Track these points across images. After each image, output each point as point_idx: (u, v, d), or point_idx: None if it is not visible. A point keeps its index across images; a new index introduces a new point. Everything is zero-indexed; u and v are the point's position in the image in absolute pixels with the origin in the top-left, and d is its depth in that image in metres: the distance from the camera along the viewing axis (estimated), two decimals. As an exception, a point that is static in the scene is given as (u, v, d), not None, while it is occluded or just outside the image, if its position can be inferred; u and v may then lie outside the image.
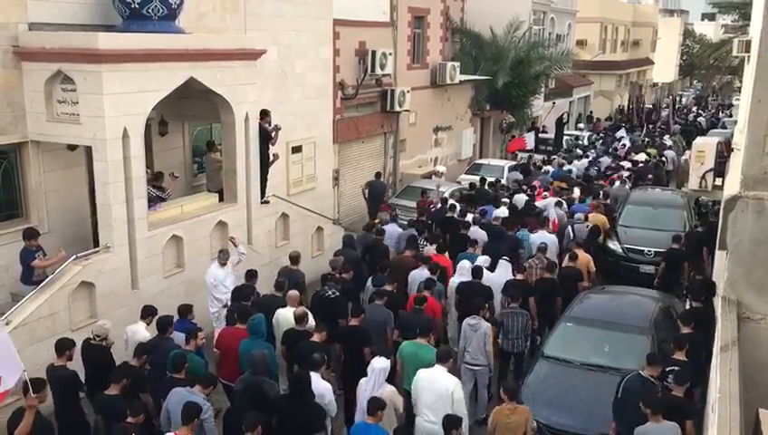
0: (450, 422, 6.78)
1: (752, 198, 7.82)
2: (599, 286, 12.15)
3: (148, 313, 8.78)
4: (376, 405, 6.87)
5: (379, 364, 7.49)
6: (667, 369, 7.74)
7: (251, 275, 10.19)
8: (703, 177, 15.21)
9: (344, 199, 19.05)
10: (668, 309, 10.58)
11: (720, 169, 15.12)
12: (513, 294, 10.03)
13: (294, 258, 11.08)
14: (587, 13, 40.00)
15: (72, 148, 10.63)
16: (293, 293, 9.39)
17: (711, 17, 75.66)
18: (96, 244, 10.25)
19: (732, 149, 14.45)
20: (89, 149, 10.08)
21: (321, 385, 7.32)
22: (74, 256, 9.56)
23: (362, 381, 7.57)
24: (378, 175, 18.50)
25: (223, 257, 10.46)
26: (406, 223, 15.10)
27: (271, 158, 13.33)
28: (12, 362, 6.39)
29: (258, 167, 12.66)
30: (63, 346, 7.66)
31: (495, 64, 25.64)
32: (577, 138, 32.95)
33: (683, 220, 15.30)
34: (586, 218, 14.81)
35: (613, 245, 14.90)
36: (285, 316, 8.99)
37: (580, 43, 40.44)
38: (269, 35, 13.78)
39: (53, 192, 10.65)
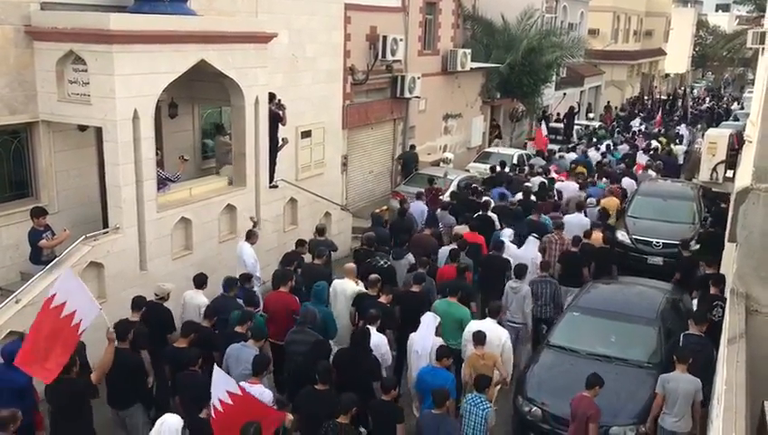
0: (483, 382, 7.51)
1: (763, 191, 7.74)
2: (606, 277, 12.12)
3: (200, 281, 9.37)
4: (443, 353, 7.83)
5: (430, 320, 8.56)
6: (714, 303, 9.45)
7: (301, 243, 11.06)
8: (714, 169, 15.09)
9: (352, 186, 19.03)
10: (676, 301, 10.57)
11: (731, 162, 15.00)
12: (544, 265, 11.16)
13: (321, 230, 11.98)
14: (600, 2, 39.59)
15: (82, 128, 10.65)
16: (350, 265, 10.21)
17: (725, 8, 74.77)
18: (105, 225, 10.29)
19: (743, 142, 14.34)
20: (99, 130, 10.09)
21: (377, 337, 8.27)
22: (83, 237, 9.60)
23: (413, 335, 8.52)
24: (412, 147, 20.52)
25: (255, 238, 11.00)
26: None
27: (280, 142, 13.34)
28: (88, 302, 6.92)
29: (267, 151, 12.67)
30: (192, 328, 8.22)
31: (507, 52, 25.48)
32: (587, 127, 32.93)
33: (692, 212, 15.22)
34: (598, 202, 15.50)
35: (622, 235, 14.85)
36: (342, 286, 9.76)
37: (593, 33, 40.10)
38: (280, 19, 13.74)
39: (63, 172, 10.69)
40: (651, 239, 14.49)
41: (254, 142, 12.24)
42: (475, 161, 22.88)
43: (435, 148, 23.36)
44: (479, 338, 8.22)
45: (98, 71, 9.55)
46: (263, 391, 7.06)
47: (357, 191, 19.27)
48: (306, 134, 15.51)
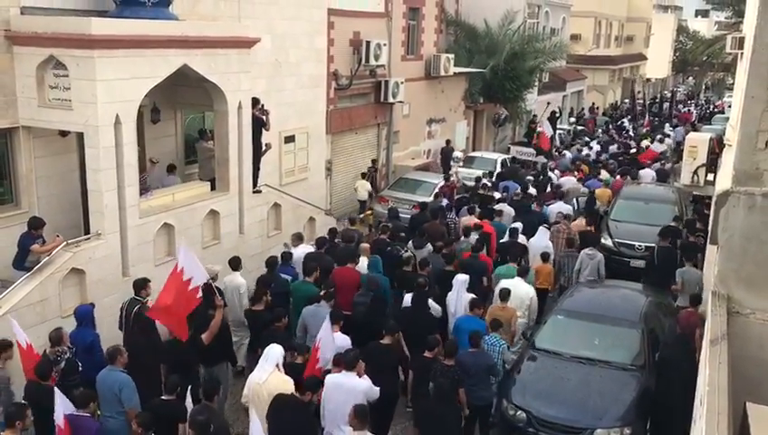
0: (496, 324, 9.23)
1: (743, 194, 7.80)
2: (590, 280, 12.19)
3: (236, 263, 10.45)
4: (475, 303, 9.58)
5: (459, 282, 10.19)
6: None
7: (333, 231, 12.87)
8: (695, 172, 15.24)
9: (337, 190, 19.00)
10: (659, 304, 10.65)
11: (712, 165, 15.14)
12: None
13: (353, 220, 14.18)
14: (581, 7, 39.89)
15: (63, 134, 10.57)
16: (365, 245, 11.80)
17: (704, 14, 75.69)
18: (87, 231, 10.20)
19: (723, 146, 14.48)
20: (80, 136, 10.01)
21: (429, 301, 9.86)
22: (65, 243, 9.50)
23: (449, 295, 10.18)
24: (448, 142, 23.18)
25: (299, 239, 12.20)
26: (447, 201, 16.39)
27: (263, 147, 13.29)
28: (200, 270, 8.18)
29: (251, 156, 12.62)
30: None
31: (490, 57, 25.59)
32: (568, 132, 33.32)
33: (674, 215, 15.33)
34: (592, 193, 17.23)
35: (604, 239, 14.93)
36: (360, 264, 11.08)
37: (575, 38, 40.36)
38: (263, 24, 13.72)
39: (44, 178, 10.59)
40: (633, 242, 14.56)
41: (238, 147, 12.19)
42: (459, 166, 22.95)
43: (419, 152, 23.43)
44: (503, 295, 9.97)
45: (79, 76, 9.48)
46: (344, 338, 8.47)
47: (341, 196, 19.25)
48: (290, 139, 15.48)
